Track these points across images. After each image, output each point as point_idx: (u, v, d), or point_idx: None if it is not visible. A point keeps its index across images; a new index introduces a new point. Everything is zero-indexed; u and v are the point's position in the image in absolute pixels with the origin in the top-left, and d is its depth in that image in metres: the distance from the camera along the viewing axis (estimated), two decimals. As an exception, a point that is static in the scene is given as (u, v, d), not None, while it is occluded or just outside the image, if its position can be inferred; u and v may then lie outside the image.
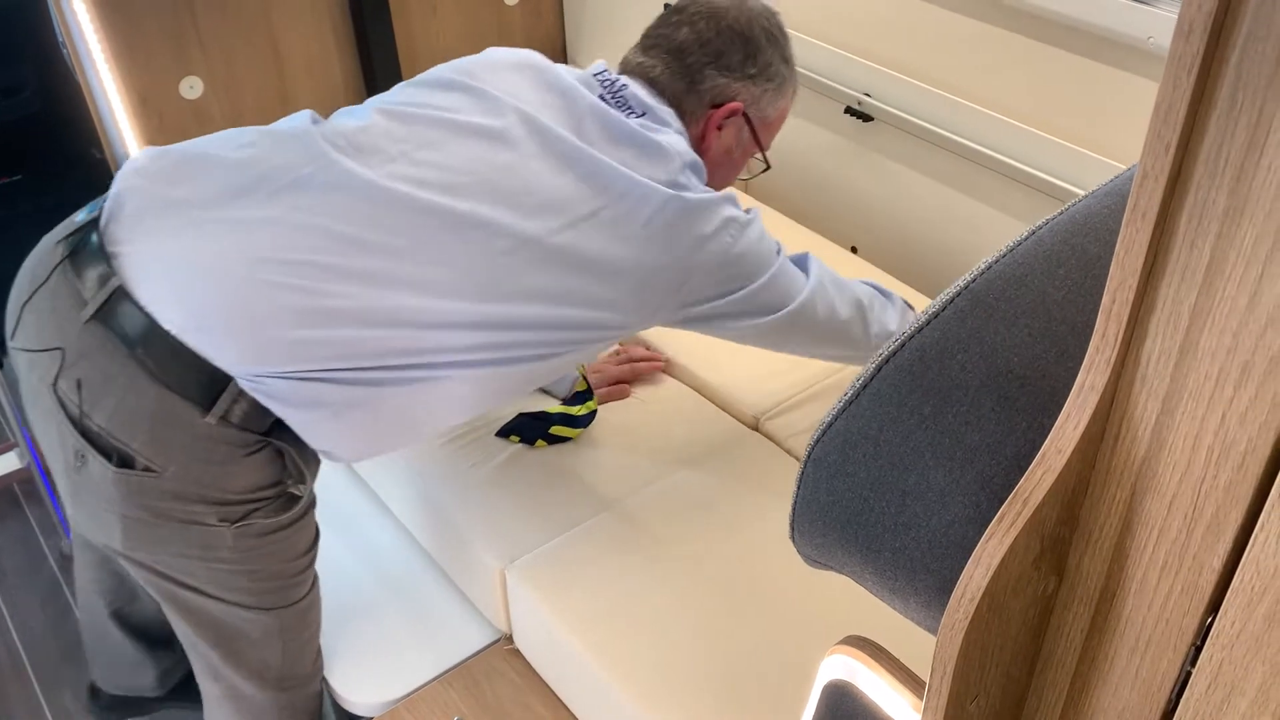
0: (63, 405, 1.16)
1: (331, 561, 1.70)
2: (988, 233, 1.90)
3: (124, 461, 1.15)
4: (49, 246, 1.23)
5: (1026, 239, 0.73)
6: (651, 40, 1.38)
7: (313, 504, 1.34)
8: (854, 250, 2.11)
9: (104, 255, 1.16)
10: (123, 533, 1.21)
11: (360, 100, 2.44)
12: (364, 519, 1.78)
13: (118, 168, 2.23)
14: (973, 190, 1.88)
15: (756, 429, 1.67)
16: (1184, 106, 0.47)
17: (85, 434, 1.15)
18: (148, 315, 1.13)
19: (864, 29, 1.96)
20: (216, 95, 2.29)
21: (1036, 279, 0.70)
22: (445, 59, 2.51)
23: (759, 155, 1.44)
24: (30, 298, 1.20)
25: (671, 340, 1.82)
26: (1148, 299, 0.52)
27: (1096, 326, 0.55)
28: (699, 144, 1.37)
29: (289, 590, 1.34)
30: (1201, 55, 0.45)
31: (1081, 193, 1.66)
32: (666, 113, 1.33)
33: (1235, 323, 0.48)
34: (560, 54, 2.71)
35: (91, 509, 1.21)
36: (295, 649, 1.40)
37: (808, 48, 2.06)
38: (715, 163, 1.40)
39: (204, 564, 1.25)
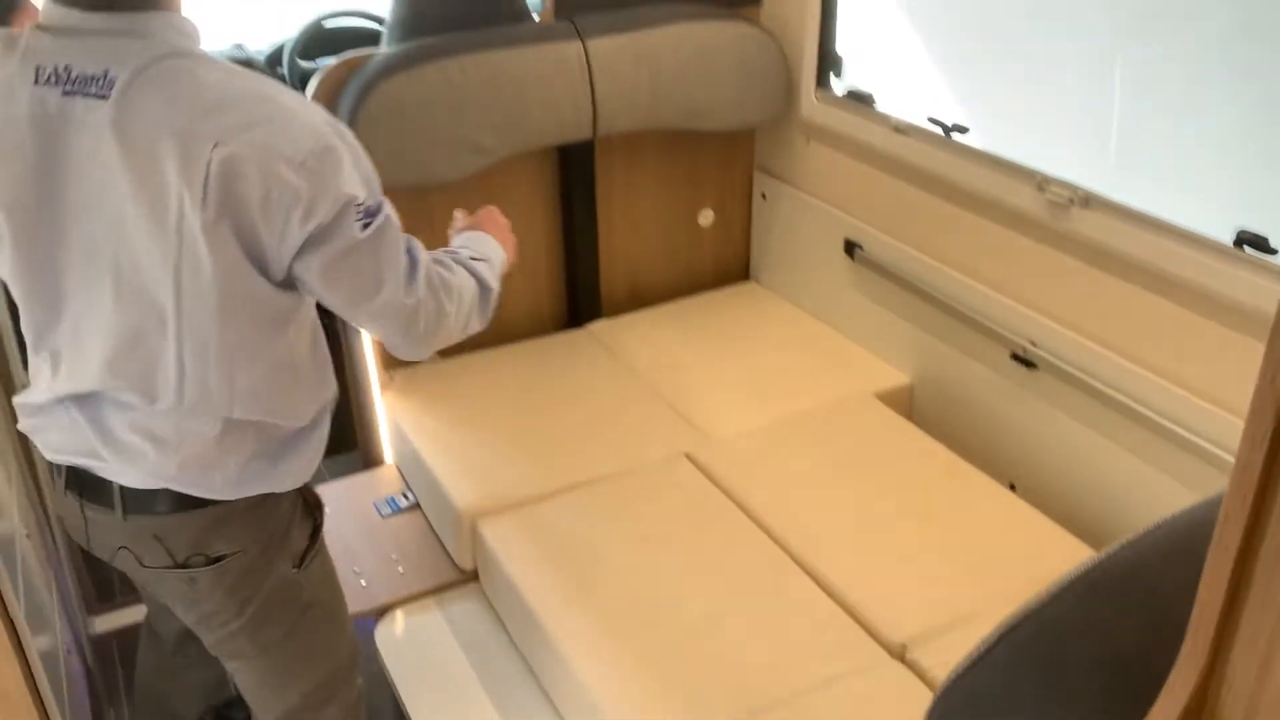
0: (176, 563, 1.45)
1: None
2: (1143, 488, 1.94)
3: (216, 560, 1.44)
4: None
5: (1146, 534, 0.83)
6: None
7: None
8: (1012, 487, 2.17)
9: None
10: (248, 634, 1.52)
11: (564, 302, 2.71)
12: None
13: (346, 341, 2.54)
14: (1132, 446, 1.94)
15: (901, 659, 1.73)
16: (1256, 474, 0.58)
17: (184, 566, 1.44)
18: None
19: (1032, 280, 2.08)
20: (438, 284, 2.58)
21: (1151, 573, 0.79)
22: (642, 272, 2.81)
23: None
24: None
25: (813, 546, 1.92)
26: (1231, 619, 0.62)
27: (1187, 634, 0.64)
28: None
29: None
30: (1269, 437, 0.56)
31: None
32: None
33: (1300, 654, 0.57)
34: (744, 272, 2.94)
35: (217, 623, 1.52)
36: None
37: (977, 294, 2.19)
38: None
39: (300, 620, 1.57)
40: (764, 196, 2.81)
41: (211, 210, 1.20)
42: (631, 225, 2.75)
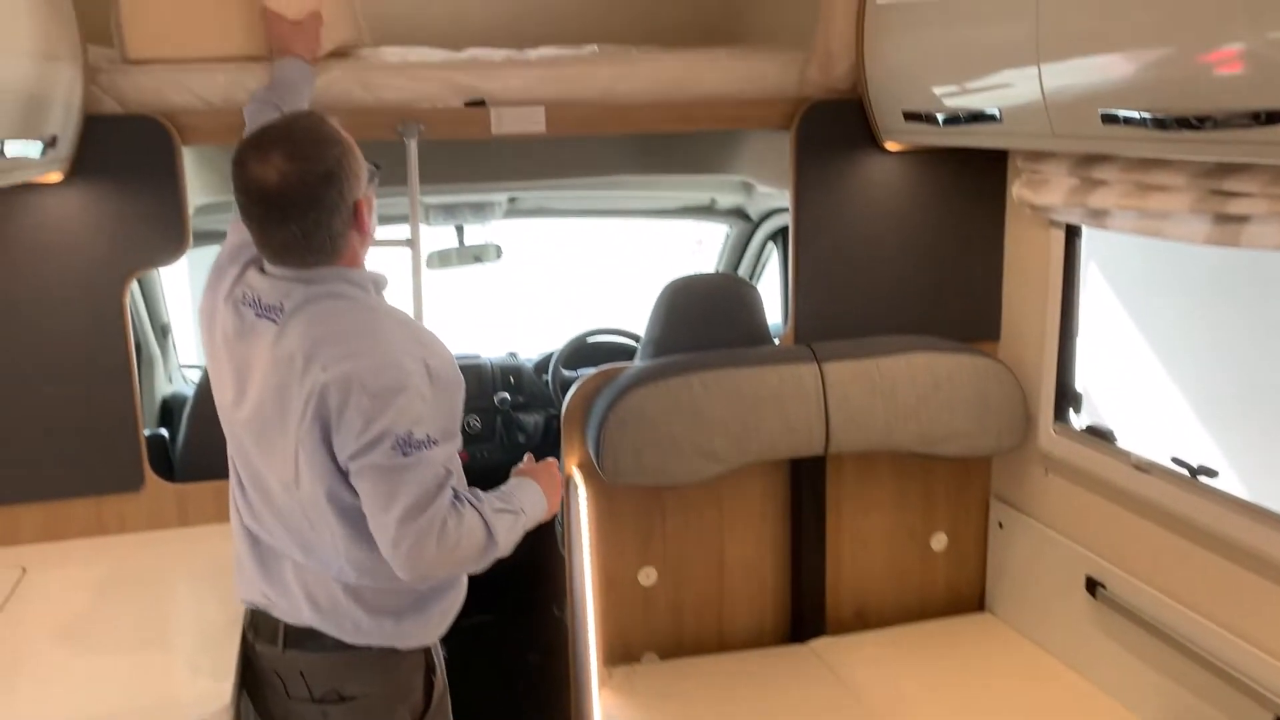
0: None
1: None
2: None
3: (346, 699, 1.76)
4: None
5: None
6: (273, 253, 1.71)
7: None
8: None
9: None
10: None
11: (788, 615, 2.71)
12: None
13: (573, 631, 2.62)
14: None
15: None
16: None
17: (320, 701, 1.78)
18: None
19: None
20: (665, 585, 2.66)
21: None
22: (870, 591, 2.79)
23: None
24: None
25: None
26: None
27: None
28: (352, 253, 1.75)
29: None
30: None
31: None
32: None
33: None
34: (978, 602, 2.84)
35: None
36: None
37: (1234, 647, 2.01)
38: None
39: None
40: (1000, 525, 2.75)
41: (309, 414, 1.63)
42: (860, 542, 2.75)
